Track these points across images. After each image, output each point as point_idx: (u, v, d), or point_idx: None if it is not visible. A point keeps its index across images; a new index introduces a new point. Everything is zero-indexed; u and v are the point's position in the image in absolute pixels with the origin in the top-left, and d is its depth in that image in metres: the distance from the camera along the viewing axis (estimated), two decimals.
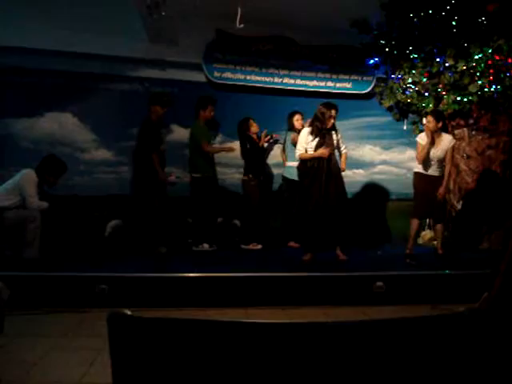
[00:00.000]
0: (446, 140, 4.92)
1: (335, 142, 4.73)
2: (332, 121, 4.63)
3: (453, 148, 4.99)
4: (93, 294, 3.71)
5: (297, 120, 5.82)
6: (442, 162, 4.94)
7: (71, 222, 5.45)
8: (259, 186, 5.71)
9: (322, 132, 4.64)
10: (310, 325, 0.91)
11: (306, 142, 4.69)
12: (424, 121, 6.19)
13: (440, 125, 4.88)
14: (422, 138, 4.98)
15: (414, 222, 5.02)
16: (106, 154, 6.14)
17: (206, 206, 5.45)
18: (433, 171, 4.94)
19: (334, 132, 4.73)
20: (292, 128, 5.85)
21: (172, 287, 3.87)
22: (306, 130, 4.77)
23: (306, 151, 4.68)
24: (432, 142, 4.87)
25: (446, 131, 5.30)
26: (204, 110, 5.55)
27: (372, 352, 0.91)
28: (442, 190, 4.88)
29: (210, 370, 0.90)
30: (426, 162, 4.92)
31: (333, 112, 4.60)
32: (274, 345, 0.89)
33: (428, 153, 4.88)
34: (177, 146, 5.85)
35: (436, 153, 4.89)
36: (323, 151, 4.57)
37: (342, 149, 4.89)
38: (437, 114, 4.92)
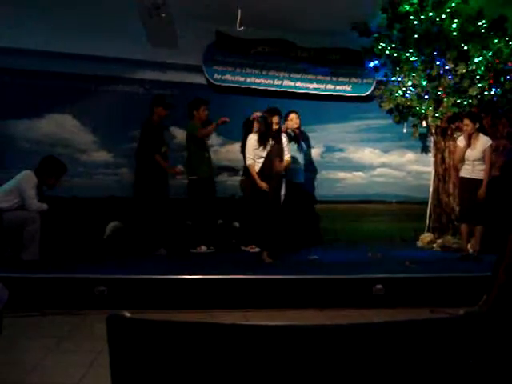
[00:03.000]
0: (482, 140, 4.96)
1: (285, 147, 4.69)
2: (275, 126, 4.58)
3: (490, 148, 5.00)
4: (92, 295, 3.71)
5: (291, 119, 5.71)
6: (480, 162, 4.95)
7: (70, 223, 5.44)
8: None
9: (268, 139, 4.63)
10: (309, 327, 0.91)
11: (253, 150, 4.70)
12: (424, 123, 6.21)
13: (477, 126, 4.96)
14: (461, 141, 5.07)
15: (463, 228, 5.10)
16: (106, 155, 6.12)
17: (204, 208, 5.46)
18: (473, 174, 4.97)
19: (283, 138, 4.70)
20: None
21: (171, 289, 3.87)
22: (253, 138, 4.76)
23: (255, 160, 4.71)
24: (468, 145, 4.95)
25: (483, 131, 5.28)
26: (197, 111, 5.55)
27: (371, 355, 0.91)
28: (481, 190, 4.87)
29: (210, 372, 0.90)
30: (462, 163, 5.01)
31: (275, 118, 4.55)
32: (273, 347, 0.88)
33: (463, 155, 4.97)
34: (176, 148, 5.84)
35: (472, 153, 4.94)
36: (263, 185, 4.61)
37: (285, 156, 4.87)
38: (473, 117, 5.00)
